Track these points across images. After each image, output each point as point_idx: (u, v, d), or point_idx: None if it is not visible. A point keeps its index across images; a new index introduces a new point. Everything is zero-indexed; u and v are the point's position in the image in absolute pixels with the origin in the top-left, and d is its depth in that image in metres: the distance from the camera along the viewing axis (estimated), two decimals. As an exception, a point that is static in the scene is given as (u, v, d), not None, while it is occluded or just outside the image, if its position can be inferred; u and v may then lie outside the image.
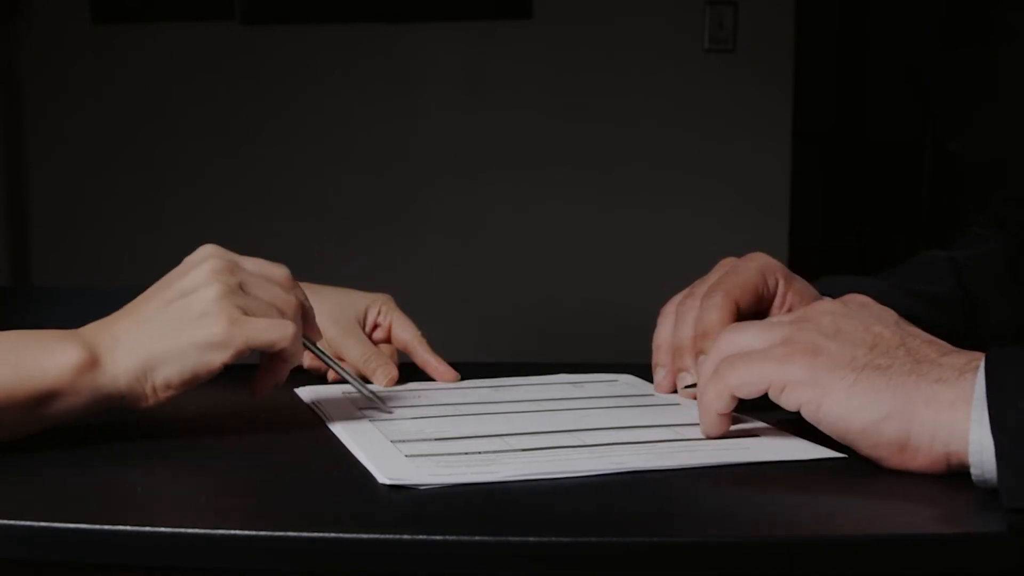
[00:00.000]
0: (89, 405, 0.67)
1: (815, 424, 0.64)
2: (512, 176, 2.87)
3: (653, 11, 2.79)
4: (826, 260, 3.98)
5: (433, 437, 0.70)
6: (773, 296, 0.82)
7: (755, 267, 0.83)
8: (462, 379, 0.92)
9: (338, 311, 0.93)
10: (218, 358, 0.67)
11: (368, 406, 0.79)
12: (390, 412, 0.77)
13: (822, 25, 4.06)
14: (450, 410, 0.80)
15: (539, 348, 2.80)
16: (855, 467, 0.63)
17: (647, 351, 0.86)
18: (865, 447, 0.62)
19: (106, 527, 0.53)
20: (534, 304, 2.88)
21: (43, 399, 0.65)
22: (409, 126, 2.87)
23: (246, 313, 0.68)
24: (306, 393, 0.85)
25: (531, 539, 0.52)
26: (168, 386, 0.67)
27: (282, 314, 0.70)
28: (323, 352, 0.78)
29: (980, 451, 0.57)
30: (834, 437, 0.64)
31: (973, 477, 0.58)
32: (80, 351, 0.66)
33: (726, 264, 0.85)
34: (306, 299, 0.74)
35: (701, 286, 0.83)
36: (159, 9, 2.85)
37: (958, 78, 3.22)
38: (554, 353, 2.74)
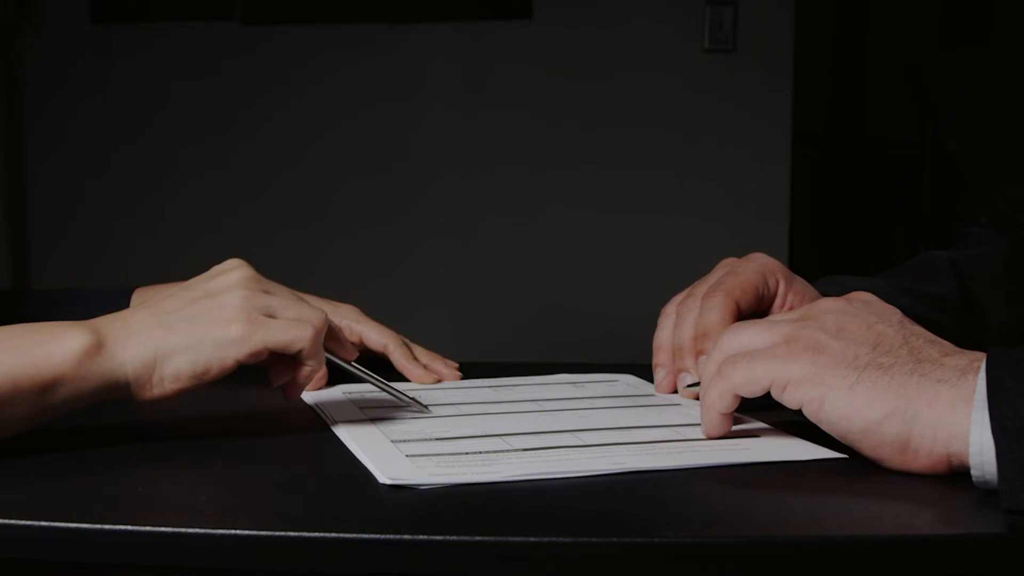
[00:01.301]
0: (94, 392, 0.66)
1: (816, 423, 0.64)
2: (512, 176, 2.87)
3: (653, 11, 2.79)
4: (826, 260, 3.98)
5: (433, 437, 0.70)
6: (773, 296, 0.83)
7: (755, 267, 0.83)
8: (462, 379, 0.92)
9: None
10: (232, 354, 0.67)
11: (414, 412, 0.78)
12: (429, 411, 0.78)
13: (822, 25, 4.06)
14: (450, 410, 0.80)
15: (539, 348, 2.81)
16: (855, 467, 0.63)
17: (647, 351, 0.86)
18: (867, 447, 0.62)
19: (106, 527, 0.53)
20: (534, 304, 2.88)
21: (49, 385, 0.64)
22: (409, 126, 2.87)
23: (269, 315, 0.69)
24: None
25: (531, 539, 0.52)
26: (177, 378, 0.67)
27: (311, 308, 0.71)
28: (355, 366, 0.76)
29: (980, 452, 0.57)
30: (835, 436, 0.63)
31: (973, 478, 0.58)
32: (87, 335, 0.65)
33: (726, 264, 0.85)
34: (330, 320, 0.75)
35: (701, 286, 0.84)
36: (159, 9, 2.85)
37: (958, 78, 3.22)
38: (554, 353, 2.74)
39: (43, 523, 0.54)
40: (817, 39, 3.88)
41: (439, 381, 0.91)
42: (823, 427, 0.63)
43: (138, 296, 0.99)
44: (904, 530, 0.55)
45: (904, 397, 0.60)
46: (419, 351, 0.94)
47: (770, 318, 0.71)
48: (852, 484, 0.61)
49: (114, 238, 2.93)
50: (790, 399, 0.64)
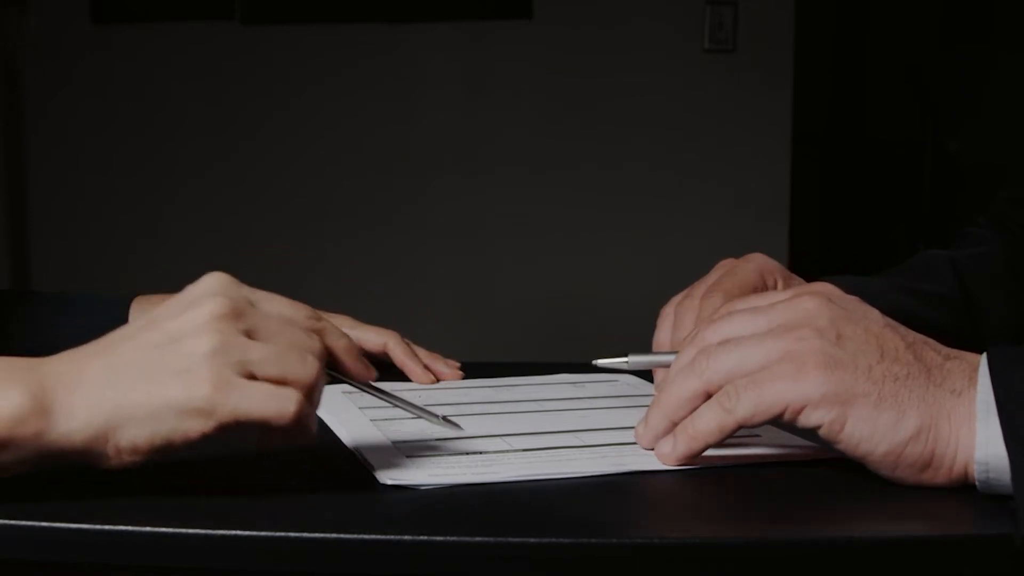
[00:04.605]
0: (34, 461, 0.55)
1: (832, 444, 0.60)
2: (512, 176, 2.87)
3: (653, 11, 2.79)
4: (826, 260, 3.98)
5: (433, 437, 0.70)
6: (772, 296, 0.82)
7: (753, 268, 0.83)
8: (463, 379, 0.92)
9: None
10: (197, 427, 0.54)
11: (443, 434, 0.71)
12: (462, 429, 0.69)
13: (822, 25, 4.06)
14: (450, 410, 0.79)
15: (539, 348, 2.80)
16: (855, 467, 0.63)
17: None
18: (886, 468, 0.59)
19: (106, 527, 0.53)
20: (534, 304, 2.88)
21: None
22: (409, 126, 2.87)
23: (247, 374, 0.55)
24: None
25: (531, 540, 0.52)
26: (135, 450, 0.55)
27: (300, 360, 0.57)
28: (378, 390, 0.66)
29: (986, 459, 0.57)
30: (852, 457, 0.60)
31: (977, 481, 0.58)
32: (24, 397, 0.54)
33: (724, 265, 0.85)
34: (340, 337, 0.63)
35: (700, 287, 0.84)
36: (159, 9, 2.85)
37: (958, 78, 3.22)
38: (554, 353, 2.74)
39: (43, 523, 0.54)
40: (817, 39, 3.88)
41: (437, 381, 0.91)
42: (839, 447, 0.60)
43: (138, 305, 0.95)
44: (904, 530, 0.55)
45: (926, 414, 0.58)
46: (420, 352, 0.94)
47: (751, 308, 0.64)
48: (852, 484, 0.61)
49: (114, 238, 2.93)
50: (805, 421, 0.59)
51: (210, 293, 0.57)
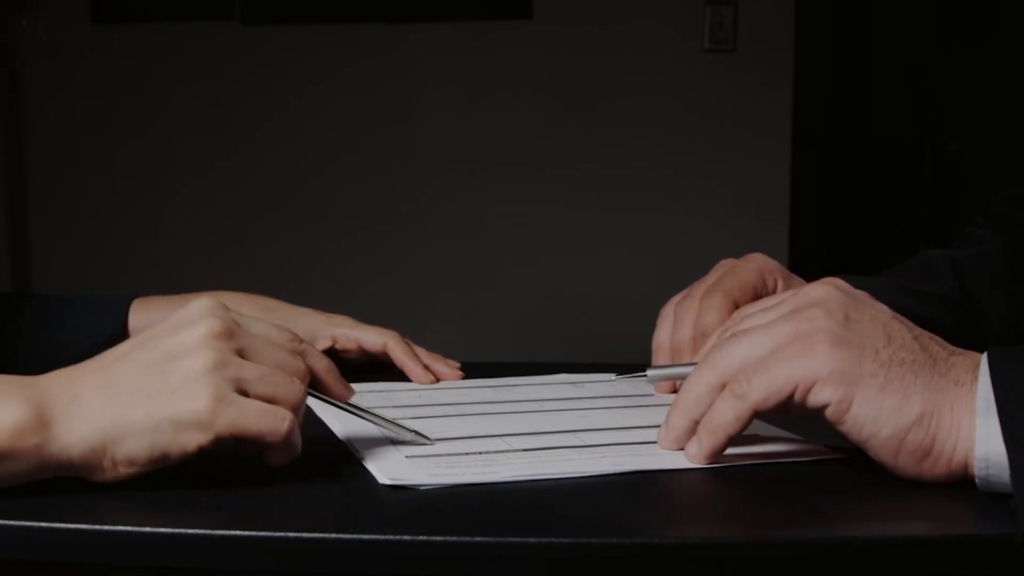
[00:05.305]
0: (32, 472, 0.57)
1: (837, 424, 0.60)
2: (512, 177, 2.87)
3: (653, 11, 2.80)
4: (826, 260, 3.98)
5: (433, 438, 0.70)
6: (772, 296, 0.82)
7: (753, 267, 0.83)
8: (463, 379, 0.92)
9: None
10: (195, 440, 0.57)
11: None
12: (432, 442, 0.68)
13: (822, 25, 4.06)
14: (450, 410, 0.80)
15: (539, 348, 2.81)
16: (855, 467, 0.63)
17: (647, 352, 0.87)
18: (887, 455, 0.59)
19: (106, 527, 0.53)
20: (534, 304, 2.88)
21: None
22: (409, 126, 2.87)
23: (241, 390, 0.59)
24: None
25: (531, 540, 0.52)
26: (131, 463, 0.57)
27: (288, 381, 0.60)
28: (354, 408, 0.67)
29: (986, 457, 0.56)
30: (856, 441, 0.60)
31: (977, 480, 0.58)
32: (24, 410, 0.56)
33: (724, 265, 0.85)
34: (321, 359, 0.66)
35: (700, 287, 0.84)
36: (159, 9, 2.85)
37: (958, 78, 3.22)
38: (554, 353, 2.74)
39: (43, 523, 0.54)
40: (817, 39, 3.88)
41: (437, 381, 0.91)
42: (843, 429, 0.59)
43: (137, 307, 0.95)
44: (905, 530, 0.55)
45: (930, 401, 0.58)
46: (420, 352, 0.94)
47: (762, 321, 0.64)
48: (852, 484, 0.61)
49: (114, 238, 2.93)
50: (814, 400, 0.59)
51: (203, 315, 0.60)
